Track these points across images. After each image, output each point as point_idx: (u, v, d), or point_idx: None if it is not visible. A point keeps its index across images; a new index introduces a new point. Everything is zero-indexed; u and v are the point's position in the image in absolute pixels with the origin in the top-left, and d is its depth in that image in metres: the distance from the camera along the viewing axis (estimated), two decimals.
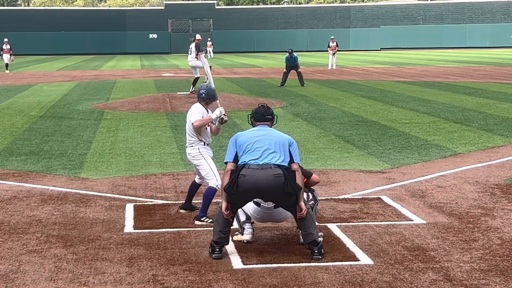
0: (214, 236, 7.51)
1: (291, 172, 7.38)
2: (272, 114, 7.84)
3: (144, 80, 37.14)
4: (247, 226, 7.95)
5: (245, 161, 7.42)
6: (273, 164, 7.36)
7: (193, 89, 27.32)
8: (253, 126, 7.82)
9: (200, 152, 9.05)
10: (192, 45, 27.82)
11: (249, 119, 7.90)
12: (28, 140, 16.23)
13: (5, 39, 48.03)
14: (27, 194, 10.66)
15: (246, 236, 7.92)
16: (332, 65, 45.76)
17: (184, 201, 9.53)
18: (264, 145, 7.46)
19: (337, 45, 46.14)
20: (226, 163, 7.60)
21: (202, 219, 8.87)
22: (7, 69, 45.79)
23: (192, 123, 8.98)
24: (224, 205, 7.45)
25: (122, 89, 31.10)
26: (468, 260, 7.29)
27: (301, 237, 7.65)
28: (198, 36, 28.92)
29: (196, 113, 9.01)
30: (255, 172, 7.32)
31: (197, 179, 9.40)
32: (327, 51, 47.77)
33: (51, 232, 8.51)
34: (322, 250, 7.39)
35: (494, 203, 9.80)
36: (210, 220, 8.76)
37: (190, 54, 27.82)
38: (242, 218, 8.00)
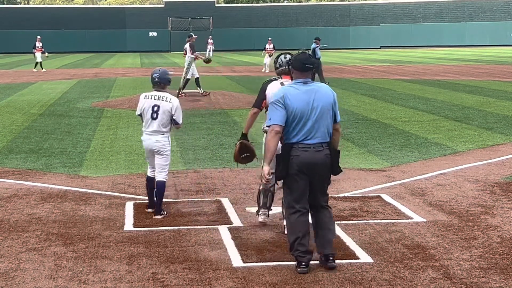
0: (295, 249, 6.94)
1: (335, 152, 6.98)
2: (313, 63, 7.08)
3: (144, 78, 37.12)
4: (262, 210, 8.57)
5: (294, 141, 6.86)
6: (324, 143, 6.88)
7: (203, 91, 26.85)
8: (291, 77, 7.18)
9: (169, 141, 9.20)
10: (187, 45, 27.06)
11: (287, 66, 7.41)
12: (28, 138, 16.23)
13: (38, 37, 46.42)
14: (27, 192, 10.66)
15: (260, 218, 8.56)
16: (266, 68, 41.28)
17: (149, 200, 9.40)
18: (313, 118, 6.83)
19: (274, 48, 42.70)
20: (270, 125, 6.89)
21: (162, 213, 9.11)
22: (38, 67, 44.30)
23: (179, 123, 9.16)
24: (266, 169, 6.91)
25: (122, 87, 31.10)
26: (468, 258, 7.29)
27: (316, 240, 7.12)
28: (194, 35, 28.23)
29: (181, 112, 9.19)
30: (307, 153, 6.82)
31: (150, 173, 9.32)
32: (263, 53, 43.26)
33: (51, 230, 8.51)
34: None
35: (494, 201, 9.80)
36: (166, 212, 9.18)
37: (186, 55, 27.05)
38: (261, 203, 8.58)
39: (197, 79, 26.88)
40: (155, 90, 9.18)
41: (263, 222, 8.55)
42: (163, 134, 9.12)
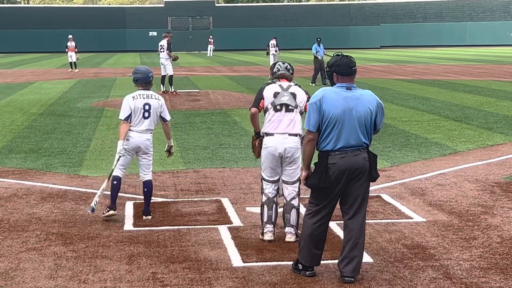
0: (305, 259, 6.75)
1: (373, 156, 6.68)
2: (355, 65, 6.73)
3: None
4: (267, 226, 7.97)
5: (330, 148, 6.53)
6: (361, 147, 6.59)
7: (172, 89, 27.14)
8: (334, 82, 6.71)
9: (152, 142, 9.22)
10: (164, 42, 27.08)
11: (325, 73, 6.88)
12: (28, 137, 16.23)
13: (70, 36, 45.16)
14: (27, 191, 10.66)
15: (267, 236, 7.95)
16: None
17: (111, 201, 9.05)
18: (353, 125, 6.52)
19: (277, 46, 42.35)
20: (306, 129, 6.61)
21: (151, 214, 9.10)
22: (75, 67, 43.50)
23: (167, 120, 9.19)
24: (304, 175, 6.67)
25: (121, 87, 31.06)
26: (467, 258, 7.29)
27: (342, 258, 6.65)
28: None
29: (166, 108, 9.26)
30: (344, 159, 6.50)
31: (120, 172, 9.07)
32: (268, 52, 42.28)
33: (51, 230, 8.51)
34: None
35: (493, 201, 9.80)
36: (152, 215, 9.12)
37: (163, 51, 27.11)
38: (265, 218, 8.00)
39: (170, 77, 27.17)
40: (142, 89, 9.11)
41: (272, 240, 7.95)
42: (151, 132, 9.14)
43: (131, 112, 8.96)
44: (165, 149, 9.57)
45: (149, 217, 9.02)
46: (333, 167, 6.50)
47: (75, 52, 43.62)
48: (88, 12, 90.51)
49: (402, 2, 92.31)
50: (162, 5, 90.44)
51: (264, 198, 8.10)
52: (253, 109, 8.14)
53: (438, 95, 25.23)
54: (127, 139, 9.02)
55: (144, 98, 9.03)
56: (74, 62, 43.80)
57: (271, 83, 8.20)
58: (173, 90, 26.99)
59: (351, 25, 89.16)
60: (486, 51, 71.37)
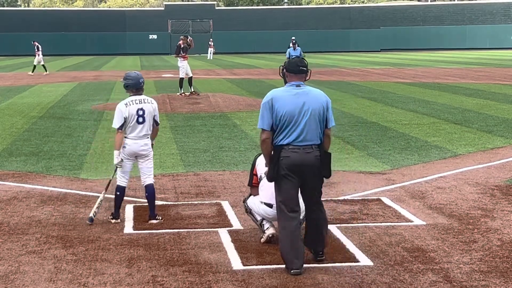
0: (289, 263, 6.95)
1: (325, 155, 7.01)
2: (307, 66, 7.15)
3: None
4: (265, 222, 7.95)
5: (285, 143, 6.92)
6: (314, 144, 6.94)
7: (192, 90, 27.61)
8: (286, 81, 7.20)
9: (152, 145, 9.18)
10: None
11: (281, 71, 7.28)
12: (28, 140, 16.23)
13: (33, 41, 45.36)
14: (27, 194, 10.65)
15: (269, 231, 7.90)
16: None
17: (115, 210, 9.08)
18: (304, 120, 6.88)
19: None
20: (262, 129, 6.99)
21: (157, 217, 9.01)
22: (45, 70, 43.81)
23: (159, 123, 9.14)
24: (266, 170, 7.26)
25: (122, 90, 30.84)
26: (468, 262, 7.28)
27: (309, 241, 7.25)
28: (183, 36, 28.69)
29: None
30: (297, 154, 6.89)
31: (124, 182, 9.05)
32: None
33: (51, 233, 8.51)
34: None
35: (494, 204, 9.80)
36: (160, 216, 9.07)
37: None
38: (259, 217, 7.99)
39: (181, 79, 27.65)
40: (133, 95, 9.00)
41: (274, 233, 7.91)
42: (148, 137, 9.05)
43: (125, 121, 8.87)
44: None
45: (154, 221, 8.93)
46: (286, 160, 6.90)
47: (38, 55, 43.64)
48: (88, 15, 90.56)
49: (402, 5, 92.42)
50: (162, 8, 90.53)
51: (248, 208, 8.15)
52: (252, 191, 8.13)
53: (438, 98, 25.24)
54: (124, 147, 8.95)
55: (137, 103, 8.92)
56: (43, 65, 43.82)
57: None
58: (182, 92, 27.23)
59: (351, 28, 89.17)
60: (486, 54, 71.41)
